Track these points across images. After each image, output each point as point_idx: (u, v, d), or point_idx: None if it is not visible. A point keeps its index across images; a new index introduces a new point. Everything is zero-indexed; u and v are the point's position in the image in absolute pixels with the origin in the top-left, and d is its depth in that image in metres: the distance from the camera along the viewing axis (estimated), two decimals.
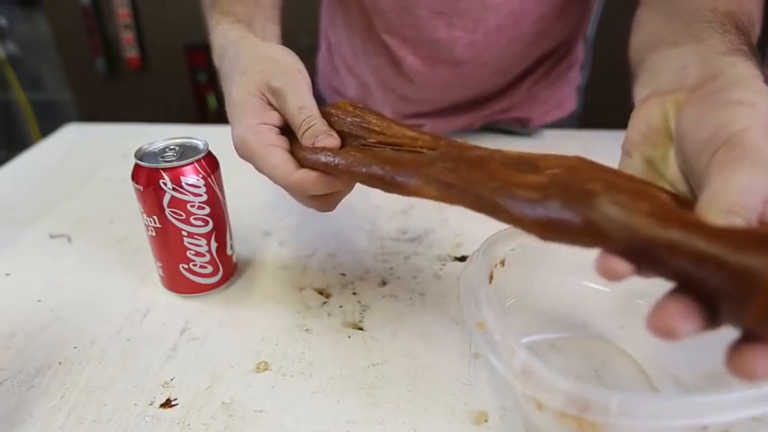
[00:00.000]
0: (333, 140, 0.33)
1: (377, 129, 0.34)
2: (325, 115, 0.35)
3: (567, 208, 0.23)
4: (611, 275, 0.22)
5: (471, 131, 0.73)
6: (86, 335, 0.39)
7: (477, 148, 0.30)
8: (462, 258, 0.47)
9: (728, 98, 0.27)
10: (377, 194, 0.60)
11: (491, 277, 0.33)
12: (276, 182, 0.34)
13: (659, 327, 0.21)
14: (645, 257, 0.22)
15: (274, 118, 0.35)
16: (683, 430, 0.27)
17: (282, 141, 0.35)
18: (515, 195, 0.25)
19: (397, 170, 0.30)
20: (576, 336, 0.38)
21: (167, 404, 0.34)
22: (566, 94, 0.75)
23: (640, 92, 0.33)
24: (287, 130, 0.36)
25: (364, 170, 0.31)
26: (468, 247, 0.49)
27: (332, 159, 0.32)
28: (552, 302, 0.38)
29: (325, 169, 0.32)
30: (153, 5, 1.63)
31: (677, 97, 0.30)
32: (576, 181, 0.24)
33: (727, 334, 0.21)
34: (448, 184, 0.28)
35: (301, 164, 0.33)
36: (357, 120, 0.35)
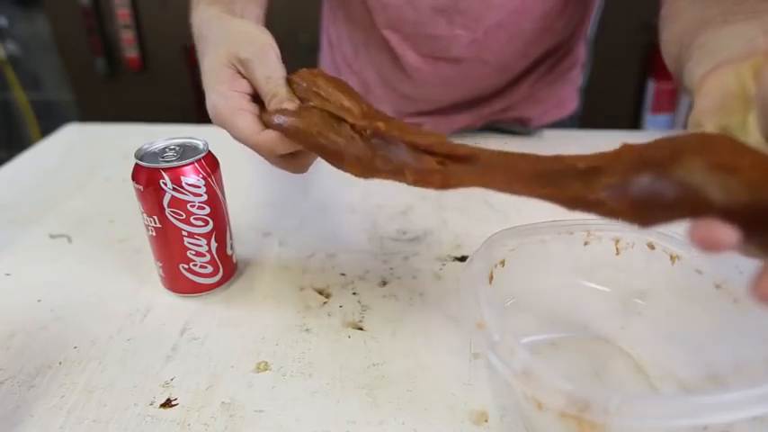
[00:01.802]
0: (291, 105, 0.35)
1: (322, 94, 0.36)
2: (289, 83, 0.37)
3: (660, 178, 0.22)
4: (712, 245, 0.21)
5: (472, 131, 0.73)
6: (86, 335, 0.39)
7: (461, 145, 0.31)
8: (462, 258, 0.47)
9: None
10: (377, 194, 0.60)
11: (491, 277, 0.33)
12: (245, 143, 0.36)
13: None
14: (758, 218, 0.20)
15: (244, 85, 0.37)
16: (682, 430, 0.27)
17: (252, 107, 0.36)
18: (592, 186, 0.24)
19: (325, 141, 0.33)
20: (576, 336, 0.38)
21: (167, 404, 0.34)
22: (567, 94, 0.75)
23: (698, 69, 0.32)
24: (257, 98, 0.37)
25: (308, 135, 0.33)
26: (468, 247, 0.49)
27: (284, 120, 0.34)
28: (552, 302, 0.38)
29: (281, 130, 0.34)
30: (153, 5, 1.63)
31: (755, 61, 0.28)
32: (649, 155, 0.23)
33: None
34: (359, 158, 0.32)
35: (267, 127, 0.36)
36: (310, 84, 0.36)
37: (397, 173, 0.31)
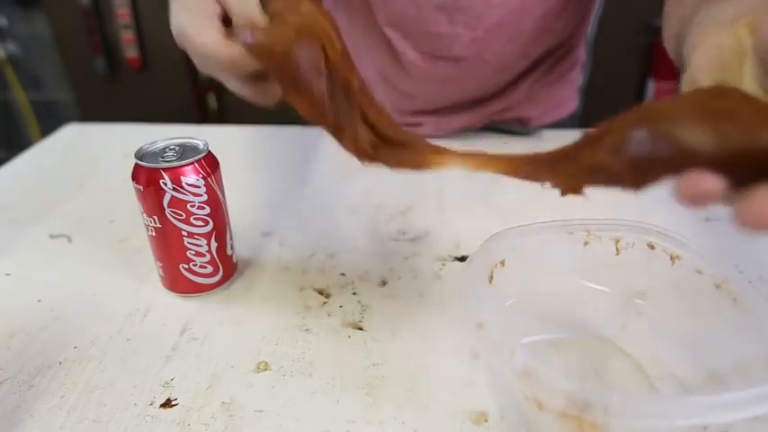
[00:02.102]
0: (261, 21, 0.32)
1: (303, 13, 0.32)
2: (263, 4, 0.34)
3: (654, 137, 0.22)
4: (699, 197, 0.21)
5: (472, 131, 0.73)
6: (86, 335, 0.39)
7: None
8: (462, 258, 0.47)
9: None
10: (377, 194, 0.60)
11: (491, 277, 0.33)
12: (206, 61, 0.33)
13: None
14: (744, 161, 0.21)
15: (212, 4, 0.34)
16: (682, 430, 0.27)
17: (220, 26, 0.34)
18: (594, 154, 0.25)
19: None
20: (576, 336, 0.38)
21: (167, 404, 0.34)
22: (567, 95, 0.75)
23: (696, 38, 0.32)
24: (227, 21, 0.35)
25: (276, 55, 0.30)
26: (468, 247, 0.49)
27: (250, 35, 0.31)
28: (552, 302, 0.38)
29: (247, 47, 0.31)
30: (153, 5, 1.63)
31: (749, 20, 0.29)
32: (638, 117, 0.24)
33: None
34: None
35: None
36: (290, 4, 0.33)
37: (337, 130, 0.31)
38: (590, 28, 0.71)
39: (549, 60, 0.69)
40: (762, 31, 0.27)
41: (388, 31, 0.64)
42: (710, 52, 0.30)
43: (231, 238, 0.43)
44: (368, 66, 0.70)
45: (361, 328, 0.40)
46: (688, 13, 0.37)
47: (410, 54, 0.64)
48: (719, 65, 0.29)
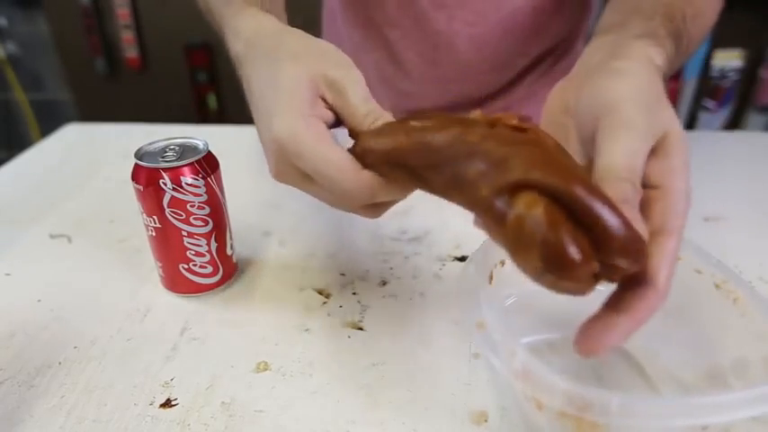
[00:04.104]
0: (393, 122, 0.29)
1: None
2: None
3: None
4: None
5: None
6: (86, 335, 0.39)
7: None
8: (462, 258, 0.47)
9: (609, 67, 0.30)
10: None
11: (491, 277, 0.33)
12: (334, 184, 0.28)
13: None
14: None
15: (327, 115, 0.31)
16: (682, 430, 0.27)
17: (331, 136, 0.29)
18: None
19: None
20: None
21: (167, 404, 0.34)
22: None
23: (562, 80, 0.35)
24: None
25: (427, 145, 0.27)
26: (468, 247, 0.49)
27: (390, 140, 0.27)
28: (552, 302, 0.37)
29: (388, 152, 0.28)
30: (153, 5, 1.63)
31: (578, 81, 0.31)
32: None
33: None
34: None
35: (363, 163, 0.29)
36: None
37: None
38: (590, 27, 0.71)
39: (548, 59, 0.69)
40: (575, 100, 0.31)
41: (387, 31, 0.64)
42: (546, 117, 0.34)
43: (231, 238, 0.43)
44: (368, 66, 0.70)
45: (361, 328, 0.40)
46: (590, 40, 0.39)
47: (409, 54, 0.64)
48: (552, 128, 0.32)
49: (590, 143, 0.29)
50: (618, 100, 0.27)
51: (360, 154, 0.29)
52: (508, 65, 0.66)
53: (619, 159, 0.26)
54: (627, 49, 0.32)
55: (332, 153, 0.28)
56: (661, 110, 0.28)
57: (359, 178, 0.28)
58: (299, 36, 0.34)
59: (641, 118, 0.27)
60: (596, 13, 0.70)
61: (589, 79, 0.30)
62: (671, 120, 0.28)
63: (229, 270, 0.44)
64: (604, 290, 0.37)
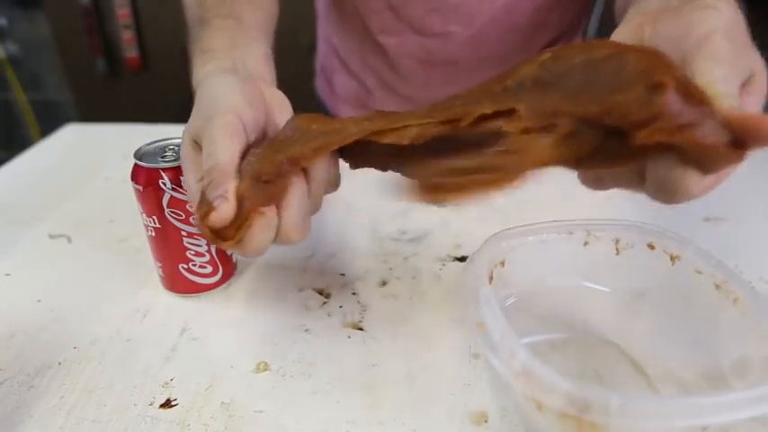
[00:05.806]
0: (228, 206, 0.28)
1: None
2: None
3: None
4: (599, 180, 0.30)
5: None
6: (86, 335, 0.39)
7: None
8: (462, 258, 0.47)
9: (698, 3, 0.30)
10: (377, 195, 0.60)
11: (491, 277, 0.33)
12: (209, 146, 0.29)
13: None
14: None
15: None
16: (682, 430, 0.27)
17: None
18: None
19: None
20: (576, 336, 0.38)
21: (167, 404, 0.34)
22: None
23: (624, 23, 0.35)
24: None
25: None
26: (468, 247, 0.49)
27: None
28: (552, 302, 0.38)
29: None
30: (153, 5, 1.63)
31: (656, 16, 0.31)
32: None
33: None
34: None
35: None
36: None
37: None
38: (590, 25, 0.71)
39: None
40: (654, 33, 0.31)
41: (383, 39, 0.64)
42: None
43: None
44: (367, 72, 0.70)
45: (360, 329, 0.40)
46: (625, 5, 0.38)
47: (406, 61, 0.64)
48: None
49: None
50: (711, 32, 0.28)
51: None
52: (508, 62, 0.66)
53: (719, 87, 0.26)
54: None
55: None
56: (749, 50, 0.29)
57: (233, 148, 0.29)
58: (205, 92, 0.34)
59: (734, 54, 0.27)
60: (597, 11, 0.70)
61: (674, 13, 0.30)
62: (758, 61, 0.29)
63: (229, 270, 0.44)
64: (604, 291, 0.37)
